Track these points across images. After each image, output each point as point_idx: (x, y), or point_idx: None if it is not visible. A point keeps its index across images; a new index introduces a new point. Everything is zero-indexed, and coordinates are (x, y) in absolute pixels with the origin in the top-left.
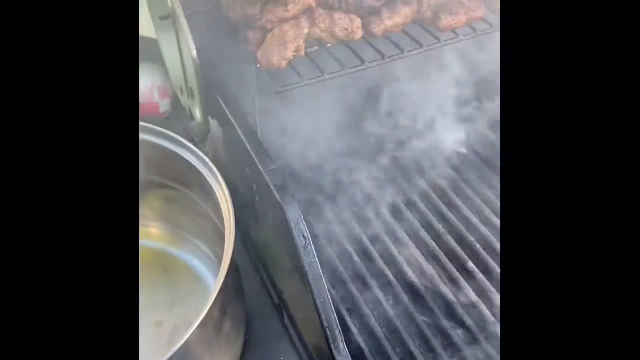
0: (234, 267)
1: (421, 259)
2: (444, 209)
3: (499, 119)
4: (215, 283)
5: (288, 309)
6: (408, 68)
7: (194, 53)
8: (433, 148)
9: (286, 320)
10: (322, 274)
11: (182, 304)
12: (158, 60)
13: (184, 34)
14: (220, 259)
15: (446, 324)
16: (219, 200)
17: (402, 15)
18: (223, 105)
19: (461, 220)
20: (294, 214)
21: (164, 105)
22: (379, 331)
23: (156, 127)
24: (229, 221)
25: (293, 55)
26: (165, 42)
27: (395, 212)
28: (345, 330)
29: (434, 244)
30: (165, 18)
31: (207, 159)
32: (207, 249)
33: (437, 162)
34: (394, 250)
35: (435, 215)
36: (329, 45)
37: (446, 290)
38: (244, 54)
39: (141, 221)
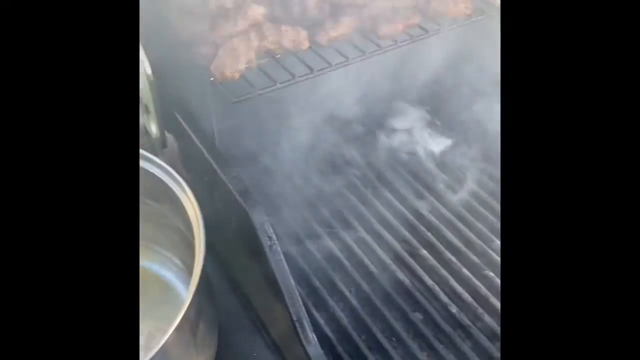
0: (205, 272)
1: (379, 251)
2: (395, 202)
3: None
4: (184, 292)
5: (257, 308)
6: None
7: (149, 70)
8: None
9: (256, 318)
10: (288, 271)
11: (154, 313)
12: None
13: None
14: (188, 267)
15: (406, 308)
16: (187, 210)
17: (344, 25)
18: (180, 118)
19: (412, 212)
20: (258, 217)
21: None
22: (345, 321)
23: None
24: (198, 229)
25: (245, 67)
26: None
27: (352, 208)
28: (313, 322)
29: (389, 235)
30: None
31: (173, 172)
32: (176, 259)
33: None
34: (352, 244)
35: (388, 210)
36: (278, 56)
37: (403, 277)
38: (198, 69)
39: None
